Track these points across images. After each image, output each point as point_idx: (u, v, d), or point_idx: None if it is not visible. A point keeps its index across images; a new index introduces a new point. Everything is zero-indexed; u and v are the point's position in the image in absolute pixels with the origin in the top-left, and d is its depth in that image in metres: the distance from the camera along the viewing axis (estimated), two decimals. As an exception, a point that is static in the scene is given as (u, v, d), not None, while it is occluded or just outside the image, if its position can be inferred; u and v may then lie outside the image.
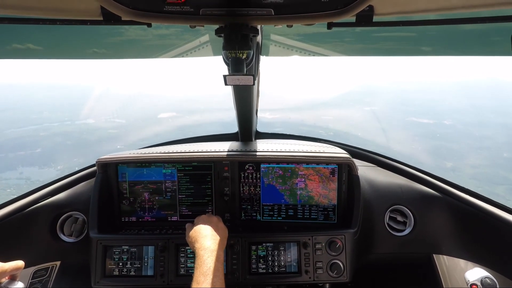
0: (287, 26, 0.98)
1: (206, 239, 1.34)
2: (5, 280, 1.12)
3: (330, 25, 0.96)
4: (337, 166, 1.84)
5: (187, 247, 1.70)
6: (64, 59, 1.91)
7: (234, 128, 2.49)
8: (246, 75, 0.96)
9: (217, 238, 1.37)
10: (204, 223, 1.45)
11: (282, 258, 1.71)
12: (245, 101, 1.73)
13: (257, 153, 1.82)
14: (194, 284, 1.15)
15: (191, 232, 1.43)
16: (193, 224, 1.50)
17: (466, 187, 1.86)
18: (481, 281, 1.57)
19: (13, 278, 1.13)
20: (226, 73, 0.99)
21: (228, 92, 1.71)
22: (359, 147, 2.41)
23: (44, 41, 1.56)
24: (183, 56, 1.82)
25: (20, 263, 1.13)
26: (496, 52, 1.54)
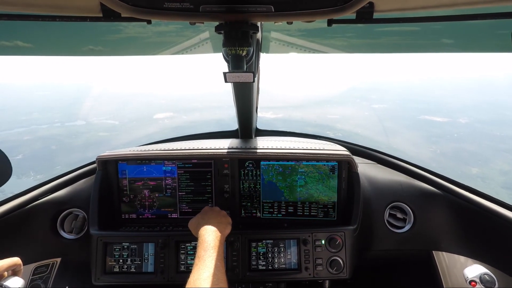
0: (287, 23, 0.98)
1: (208, 222, 1.41)
2: (5, 276, 1.12)
3: (330, 22, 0.95)
4: (337, 163, 1.84)
5: (187, 244, 1.71)
6: (59, 56, 1.89)
7: (231, 127, 2.50)
8: (246, 72, 0.96)
9: (219, 221, 1.45)
10: (207, 211, 1.55)
11: (282, 255, 1.72)
12: (245, 98, 1.73)
13: (257, 150, 1.83)
14: (196, 260, 1.20)
15: (194, 219, 1.53)
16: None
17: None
18: (480, 278, 1.58)
19: (14, 275, 1.14)
20: (226, 70, 0.99)
21: (227, 89, 1.71)
22: (360, 144, 2.41)
23: (36, 37, 1.54)
24: (183, 53, 1.82)
25: (15, 259, 1.14)
26: (504, 48, 1.53)
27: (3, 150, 1.26)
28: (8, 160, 1.28)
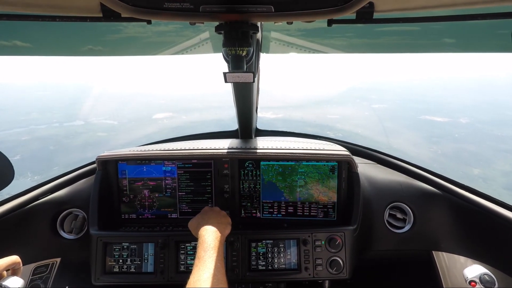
0: (287, 23, 0.98)
1: (208, 222, 1.41)
2: (5, 275, 1.12)
3: (330, 22, 0.95)
4: (337, 164, 1.84)
5: (187, 244, 1.71)
6: (58, 56, 1.89)
7: (231, 127, 2.49)
8: (246, 72, 0.96)
9: (219, 221, 1.44)
10: (207, 211, 1.55)
11: (282, 255, 1.72)
12: (245, 99, 1.73)
13: (257, 151, 1.83)
14: (196, 260, 1.20)
15: (194, 219, 1.52)
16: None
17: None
18: (480, 278, 1.58)
19: (14, 274, 1.14)
20: (226, 70, 0.99)
21: (228, 90, 1.71)
22: (360, 144, 2.41)
23: (35, 37, 1.53)
24: (183, 53, 1.82)
25: (14, 257, 1.13)
26: (504, 48, 1.53)
27: (1, 150, 1.26)
28: (10, 164, 1.29)
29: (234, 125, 2.42)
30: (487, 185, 24.19)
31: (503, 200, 1.73)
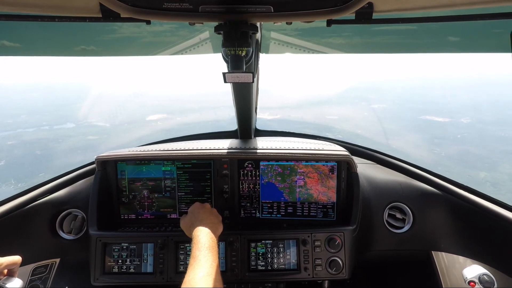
0: (286, 23, 0.98)
1: (202, 222, 1.39)
2: (3, 276, 1.12)
3: (329, 23, 0.96)
4: (336, 164, 1.84)
5: (186, 245, 1.71)
6: (49, 56, 1.86)
7: (229, 129, 2.50)
8: (245, 72, 0.96)
9: (212, 221, 1.42)
10: (199, 210, 1.51)
11: (281, 255, 1.72)
12: (244, 99, 1.73)
13: (257, 151, 1.83)
14: (191, 260, 1.20)
15: (186, 218, 1.50)
16: (187, 213, 1.55)
17: None
18: (479, 278, 1.58)
19: (11, 275, 1.13)
20: (226, 70, 0.99)
21: (225, 90, 1.71)
22: (359, 144, 2.41)
23: (24, 36, 1.49)
24: (182, 54, 1.81)
25: (16, 258, 1.13)
26: (499, 49, 1.53)
27: None
28: None
29: (231, 127, 2.43)
30: (496, 190, 23.68)
31: None
